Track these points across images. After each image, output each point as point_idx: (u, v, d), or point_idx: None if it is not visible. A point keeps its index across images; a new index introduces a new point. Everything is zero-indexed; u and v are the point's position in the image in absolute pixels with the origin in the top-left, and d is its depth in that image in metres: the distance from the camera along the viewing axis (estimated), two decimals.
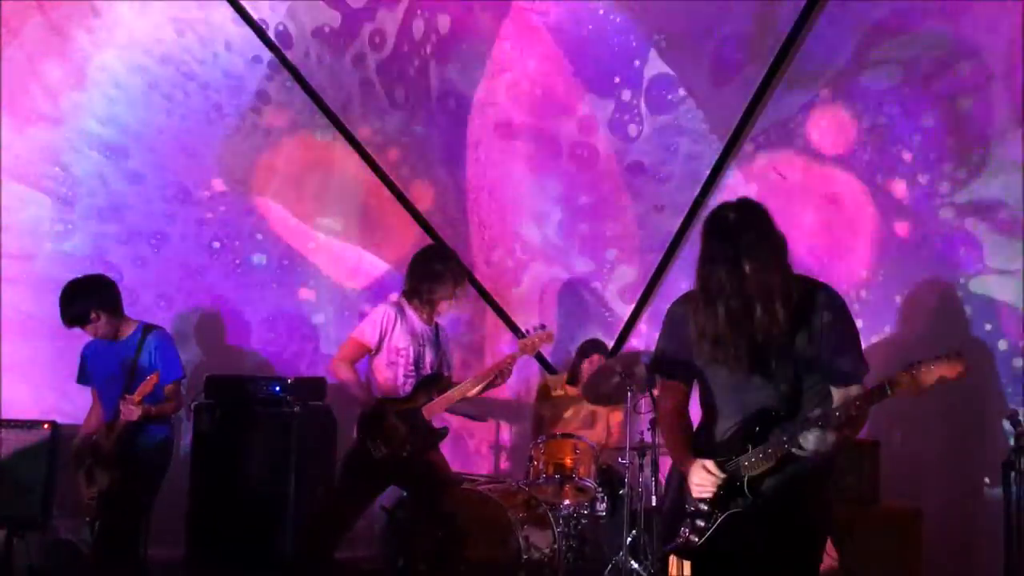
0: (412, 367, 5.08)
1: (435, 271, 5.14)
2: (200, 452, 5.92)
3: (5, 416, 5.71)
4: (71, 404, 5.92)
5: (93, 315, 4.97)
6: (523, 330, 5.38)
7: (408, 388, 5.06)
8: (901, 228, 5.81)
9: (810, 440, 2.93)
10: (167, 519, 5.61)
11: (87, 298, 4.97)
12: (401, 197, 6.81)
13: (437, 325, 5.29)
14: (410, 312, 5.15)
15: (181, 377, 5.16)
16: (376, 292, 6.82)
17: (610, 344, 6.55)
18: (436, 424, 5.08)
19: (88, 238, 6.80)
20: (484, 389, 5.20)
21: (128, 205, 6.87)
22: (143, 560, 5.26)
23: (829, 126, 6.02)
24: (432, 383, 5.13)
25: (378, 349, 5.06)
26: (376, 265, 6.95)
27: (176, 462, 5.45)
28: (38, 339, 6.43)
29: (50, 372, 6.30)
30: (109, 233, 6.80)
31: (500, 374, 5.16)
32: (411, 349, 5.08)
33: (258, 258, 6.94)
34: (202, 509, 5.81)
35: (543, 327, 5.33)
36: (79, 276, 5.12)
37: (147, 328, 5.15)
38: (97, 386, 5.21)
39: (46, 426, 5.57)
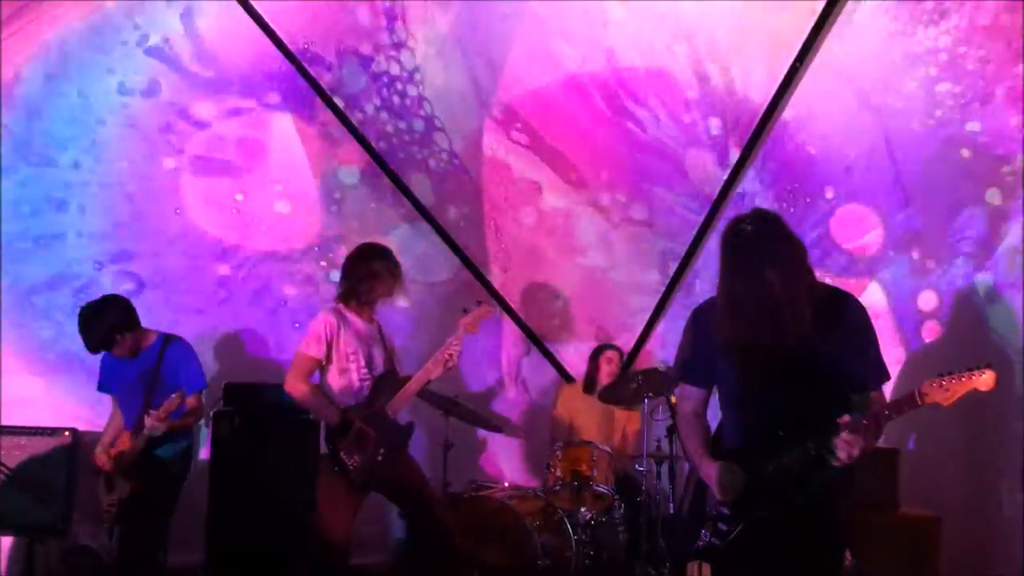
0: (366, 369, 4.98)
1: (374, 270, 5.03)
2: (220, 460, 5.92)
3: (26, 423, 5.73)
4: (91, 411, 5.96)
5: (118, 337, 5.00)
6: (463, 309, 5.18)
7: (366, 391, 4.97)
8: None
9: (840, 446, 2.94)
10: (187, 526, 5.63)
11: (108, 323, 4.97)
12: (411, 197, 6.79)
13: (378, 322, 5.18)
14: (350, 315, 5.02)
15: (202, 388, 5.19)
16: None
17: (627, 348, 6.57)
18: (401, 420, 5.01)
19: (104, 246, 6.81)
20: (440, 375, 5.02)
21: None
22: (164, 567, 5.29)
23: None
24: (387, 382, 5.02)
25: (328, 359, 4.95)
26: None
27: (195, 469, 5.49)
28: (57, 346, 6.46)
29: (69, 379, 6.33)
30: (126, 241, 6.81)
31: (450, 356, 4.98)
32: (360, 352, 4.98)
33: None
34: (222, 516, 5.81)
35: (480, 303, 5.21)
36: (93, 301, 5.12)
37: (167, 338, 5.17)
38: (117, 394, 5.25)
39: (67, 433, 5.60)
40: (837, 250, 6.17)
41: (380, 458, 4.86)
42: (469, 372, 6.73)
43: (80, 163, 6.51)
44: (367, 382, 4.98)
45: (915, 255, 5.99)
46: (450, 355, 4.97)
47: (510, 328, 6.83)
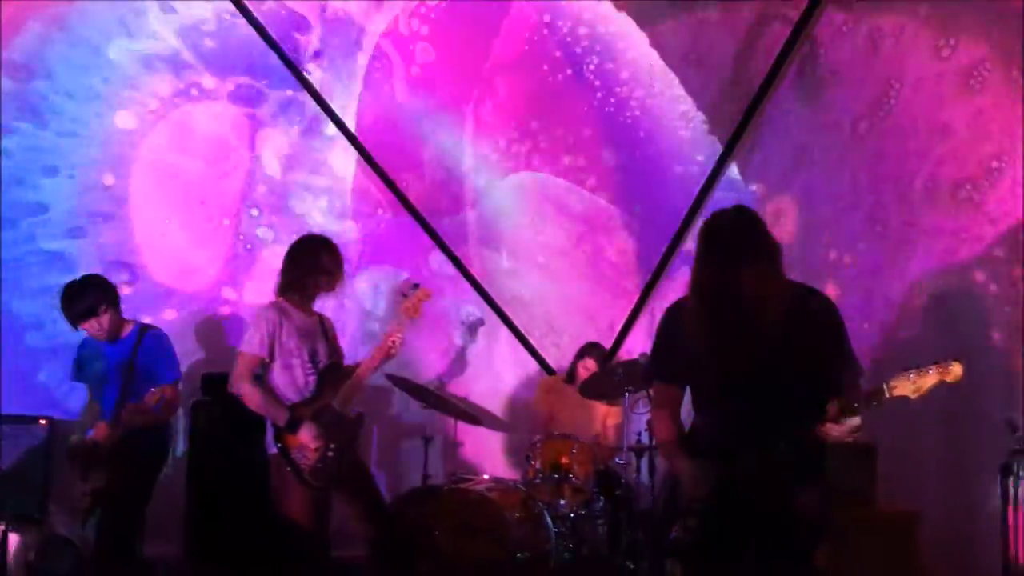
0: (310, 364, 4.82)
1: (321, 264, 4.88)
2: (198, 450, 5.91)
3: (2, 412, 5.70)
4: (66, 400, 5.93)
5: (102, 308, 4.96)
6: (401, 293, 5.05)
7: (312, 386, 4.82)
8: None
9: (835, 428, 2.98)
10: (165, 517, 5.61)
11: (94, 293, 4.98)
12: (397, 192, 6.77)
13: (320, 315, 5.05)
14: (291, 308, 4.86)
15: (178, 378, 5.15)
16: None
17: (608, 344, 6.57)
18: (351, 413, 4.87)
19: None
20: (382, 364, 4.90)
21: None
22: (141, 557, 5.26)
23: None
24: (333, 375, 4.88)
25: (271, 356, 4.77)
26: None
27: (174, 460, 5.47)
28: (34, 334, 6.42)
29: (46, 368, 6.29)
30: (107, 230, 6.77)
31: (393, 344, 4.82)
32: (304, 346, 4.81)
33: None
34: (200, 507, 5.81)
35: (416, 286, 5.01)
36: (78, 277, 5.11)
37: (144, 328, 5.15)
38: (93, 384, 5.21)
39: (43, 422, 5.57)
40: None
41: (331, 454, 4.73)
42: (447, 364, 6.71)
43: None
44: (312, 377, 4.82)
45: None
46: (393, 342, 4.82)
47: (493, 321, 6.82)
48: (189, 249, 6.68)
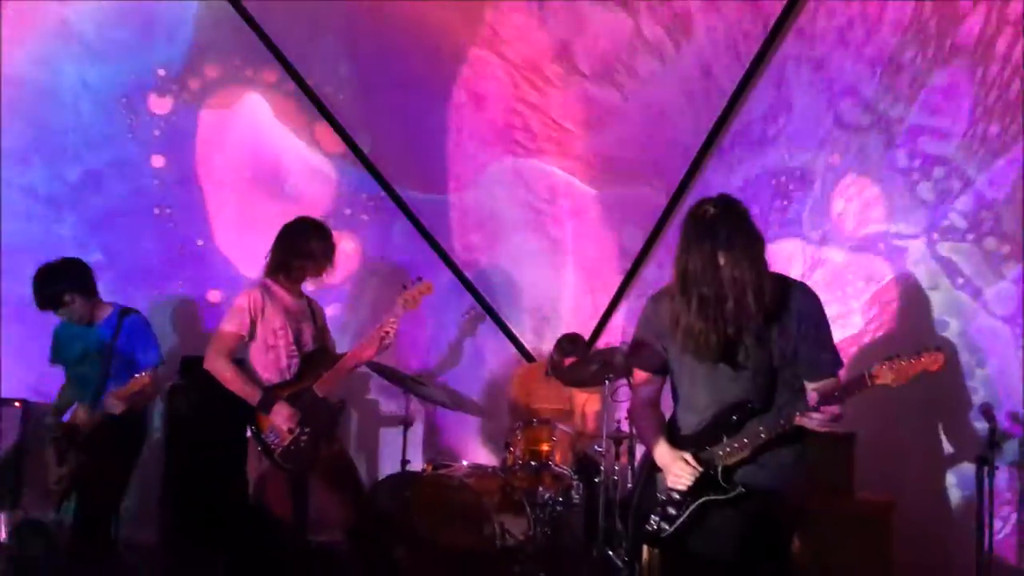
0: (294, 346, 4.81)
1: (311, 249, 4.87)
2: (175, 434, 5.87)
3: None
4: (41, 383, 5.86)
5: (67, 298, 4.92)
6: (403, 284, 4.99)
7: (295, 368, 4.81)
8: None
9: (816, 418, 2.99)
10: (141, 501, 5.58)
11: (60, 281, 4.92)
12: (379, 178, 6.73)
13: (309, 299, 5.04)
14: (277, 290, 4.85)
15: (158, 363, 5.12)
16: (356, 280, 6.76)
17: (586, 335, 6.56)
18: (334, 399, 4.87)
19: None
20: (375, 355, 4.87)
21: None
22: (116, 543, 5.22)
23: None
24: (317, 359, 4.87)
25: (251, 335, 4.77)
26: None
27: (150, 444, 5.42)
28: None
29: (21, 350, 6.22)
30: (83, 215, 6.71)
31: (386, 335, 4.79)
32: (288, 328, 4.80)
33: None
34: (176, 492, 5.77)
35: (420, 279, 4.97)
36: (52, 259, 5.05)
37: (124, 311, 5.10)
38: (70, 367, 5.16)
39: (17, 404, 5.52)
40: None
41: (305, 438, 4.69)
42: (427, 349, 6.69)
43: None
44: (295, 359, 4.81)
45: None
46: (386, 333, 4.78)
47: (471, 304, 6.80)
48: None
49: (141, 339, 5.06)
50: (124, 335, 5.01)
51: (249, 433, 4.74)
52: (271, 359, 4.79)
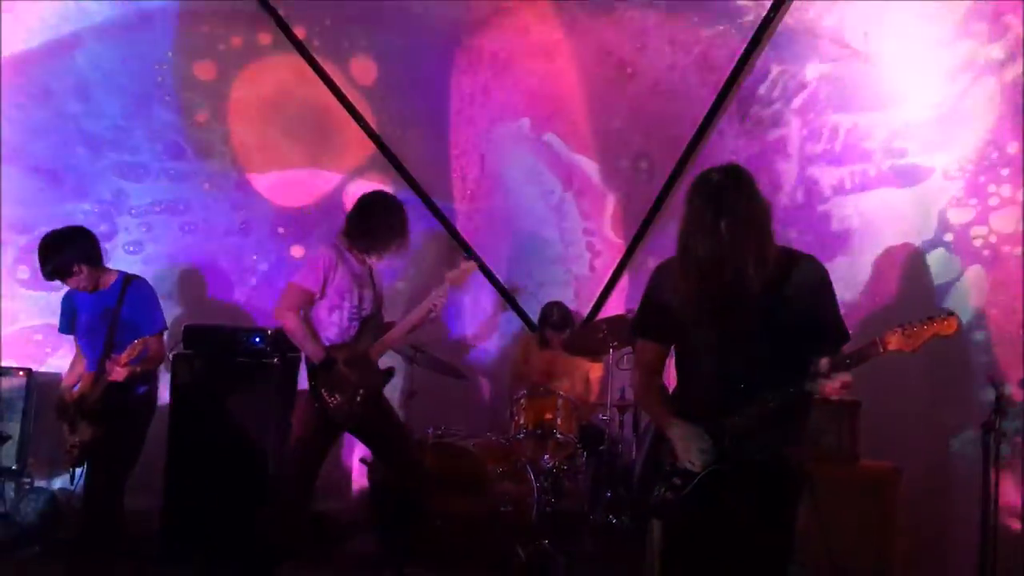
0: (356, 310, 4.94)
1: (394, 227, 5.01)
2: (179, 403, 5.86)
3: None
4: (45, 352, 5.87)
5: (76, 268, 4.88)
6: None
7: (353, 331, 4.94)
8: None
9: (826, 385, 2.97)
10: (145, 470, 5.54)
11: (68, 251, 4.87)
12: (379, 143, 6.70)
13: (371, 265, 5.12)
14: (348, 254, 4.97)
15: (163, 329, 5.10)
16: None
17: (588, 307, 6.54)
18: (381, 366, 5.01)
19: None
20: (420, 324, 5.07)
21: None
22: (121, 510, 5.23)
23: None
24: (374, 325, 5.01)
25: (321, 293, 4.88)
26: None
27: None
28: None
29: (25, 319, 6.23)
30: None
31: (434, 307, 5.00)
32: (354, 291, 4.92)
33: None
34: (180, 460, 5.77)
35: (467, 257, 5.26)
36: (57, 228, 5.02)
37: (128, 278, 5.05)
38: (79, 335, 5.15)
39: (21, 373, 5.52)
40: None
41: (359, 399, 4.84)
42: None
43: None
44: (355, 322, 4.94)
45: None
46: (434, 305, 4.99)
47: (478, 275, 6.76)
48: None
49: (145, 305, 5.02)
50: (128, 302, 4.97)
51: (308, 387, 4.88)
52: (335, 319, 4.91)
